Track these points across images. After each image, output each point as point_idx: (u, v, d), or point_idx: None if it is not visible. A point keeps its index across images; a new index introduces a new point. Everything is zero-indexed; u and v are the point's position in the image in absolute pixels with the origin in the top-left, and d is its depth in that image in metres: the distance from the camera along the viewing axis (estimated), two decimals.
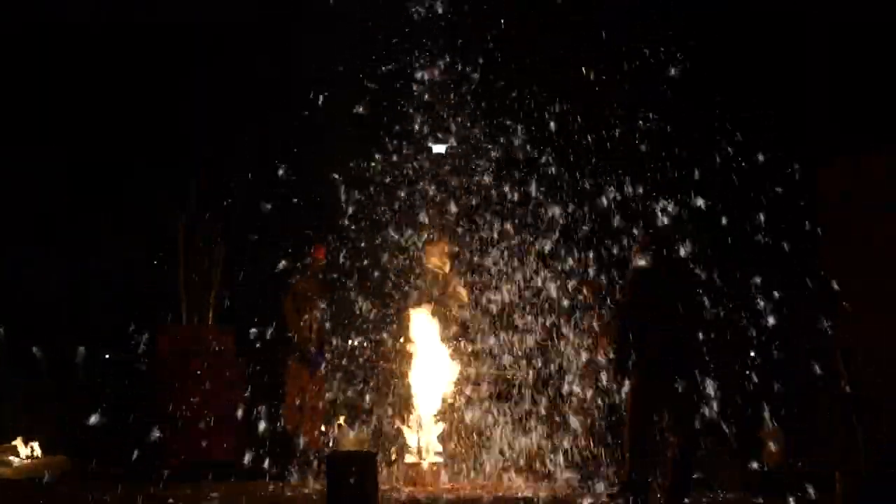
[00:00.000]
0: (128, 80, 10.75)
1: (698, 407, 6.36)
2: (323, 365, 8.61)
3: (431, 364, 8.38)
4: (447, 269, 8.43)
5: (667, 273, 6.47)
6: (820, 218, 8.66)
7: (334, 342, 8.92)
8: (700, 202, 9.23)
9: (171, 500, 7.02)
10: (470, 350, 8.50)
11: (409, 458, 8.13)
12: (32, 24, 10.73)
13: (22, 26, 10.62)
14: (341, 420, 9.10)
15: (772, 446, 8.04)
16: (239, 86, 10.73)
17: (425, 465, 8.03)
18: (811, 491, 7.22)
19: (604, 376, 8.04)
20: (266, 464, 8.44)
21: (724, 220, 9.38)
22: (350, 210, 8.97)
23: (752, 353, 8.72)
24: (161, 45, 10.76)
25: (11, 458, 8.37)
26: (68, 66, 10.71)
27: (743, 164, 9.81)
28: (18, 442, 8.47)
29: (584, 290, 8.28)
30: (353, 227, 8.99)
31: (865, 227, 8.28)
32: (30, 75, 10.77)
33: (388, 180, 9.09)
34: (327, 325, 8.92)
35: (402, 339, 8.42)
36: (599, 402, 8.08)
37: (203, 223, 9.37)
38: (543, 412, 8.47)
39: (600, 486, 7.63)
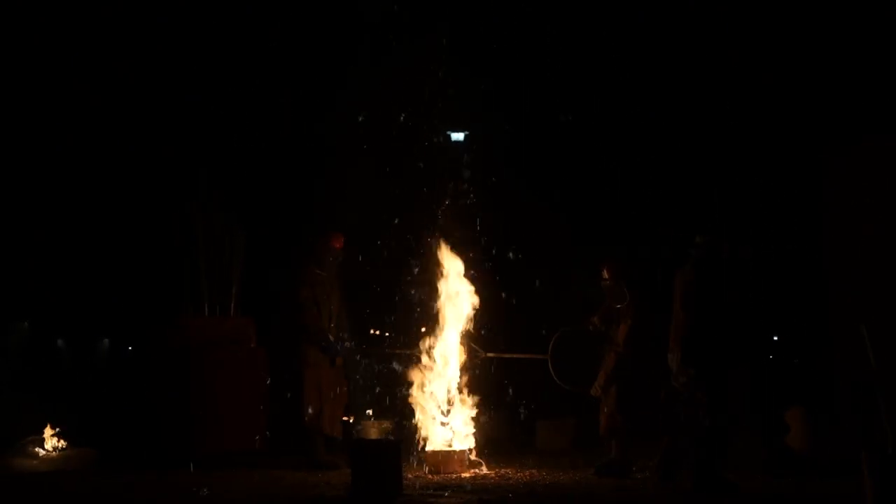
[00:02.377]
0: (137, 71, 10.76)
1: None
2: (343, 353, 8.60)
3: (453, 350, 8.41)
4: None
5: (730, 267, 6.52)
6: (825, 200, 8.62)
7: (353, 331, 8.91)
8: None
9: (195, 490, 7.04)
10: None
11: (434, 446, 8.14)
12: (32, 20, 10.73)
13: (21, 23, 10.62)
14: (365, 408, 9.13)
15: (797, 428, 7.99)
16: (249, 70, 10.76)
17: (450, 452, 8.04)
18: (836, 473, 7.22)
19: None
20: (288, 453, 8.48)
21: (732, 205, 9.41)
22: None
23: (775, 337, 8.70)
24: (166, 32, 10.75)
25: (38, 449, 8.40)
26: (75, 60, 10.70)
27: (745, 151, 9.82)
28: (47, 433, 8.49)
29: (604, 273, 8.15)
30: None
31: (871, 214, 8.24)
32: (42, 71, 10.78)
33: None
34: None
35: (422, 327, 8.44)
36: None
37: (220, 212, 9.37)
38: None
39: (623, 475, 7.63)
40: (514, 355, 8.82)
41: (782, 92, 9.76)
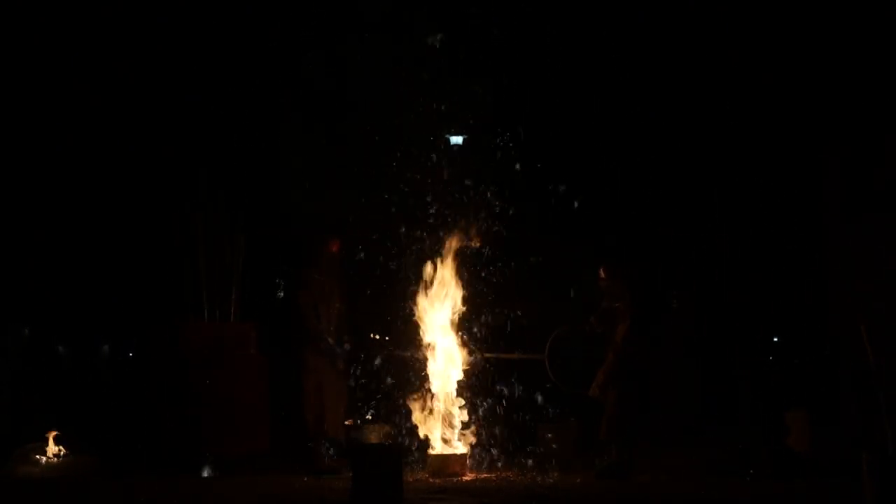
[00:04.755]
0: (137, 71, 10.75)
1: None
2: (343, 356, 8.60)
3: (452, 352, 8.41)
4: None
5: None
6: (825, 200, 8.62)
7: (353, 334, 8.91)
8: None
9: (196, 496, 7.05)
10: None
11: (434, 449, 8.15)
12: (32, 20, 10.71)
13: (21, 23, 10.61)
14: (365, 412, 9.10)
15: (797, 429, 8.01)
16: (246, 74, 10.76)
17: (451, 455, 8.05)
18: (836, 473, 7.22)
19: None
20: (290, 457, 8.49)
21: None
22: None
23: (775, 338, 8.71)
24: (166, 32, 10.74)
25: (38, 457, 8.39)
26: (75, 60, 10.69)
27: (745, 150, 9.81)
28: (50, 442, 8.48)
29: (601, 273, 8.13)
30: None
31: (871, 214, 8.25)
32: (42, 71, 10.77)
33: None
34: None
35: (420, 331, 8.44)
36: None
37: (221, 213, 9.36)
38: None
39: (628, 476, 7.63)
40: (511, 356, 8.81)
41: (782, 91, 9.73)
